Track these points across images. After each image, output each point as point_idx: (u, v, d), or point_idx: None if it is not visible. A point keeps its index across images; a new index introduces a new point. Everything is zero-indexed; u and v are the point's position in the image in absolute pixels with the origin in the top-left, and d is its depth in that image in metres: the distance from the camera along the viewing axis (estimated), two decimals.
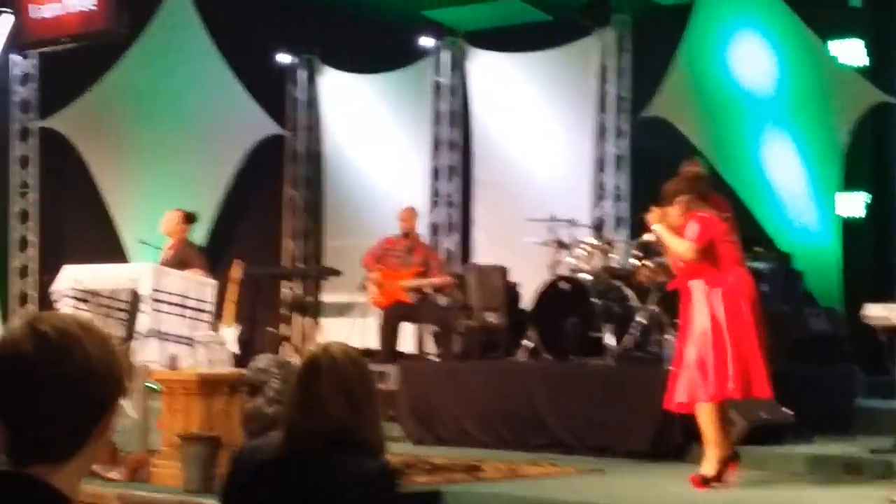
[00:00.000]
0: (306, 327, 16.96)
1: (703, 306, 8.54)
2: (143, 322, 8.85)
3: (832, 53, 13.67)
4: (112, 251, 15.37)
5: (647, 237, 9.69)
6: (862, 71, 13.73)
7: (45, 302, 15.35)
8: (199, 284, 9.28)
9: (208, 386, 8.33)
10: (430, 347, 14.26)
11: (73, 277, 9.36)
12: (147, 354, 8.74)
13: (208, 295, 9.20)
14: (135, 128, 16.07)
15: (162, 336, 8.74)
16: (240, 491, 4.12)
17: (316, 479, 4.00)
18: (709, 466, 8.55)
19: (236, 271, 12.75)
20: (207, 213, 16.24)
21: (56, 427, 2.32)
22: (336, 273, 15.66)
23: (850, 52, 13.96)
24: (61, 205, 16.05)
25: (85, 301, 9.30)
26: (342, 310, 15.67)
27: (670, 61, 14.02)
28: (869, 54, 14.03)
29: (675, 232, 8.77)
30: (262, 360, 7.88)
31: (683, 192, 8.84)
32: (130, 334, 9.23)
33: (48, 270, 15.41)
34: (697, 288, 8.61)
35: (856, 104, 13.23)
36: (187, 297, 9.00)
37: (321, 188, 17.28)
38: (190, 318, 8.97)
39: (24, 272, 15.74)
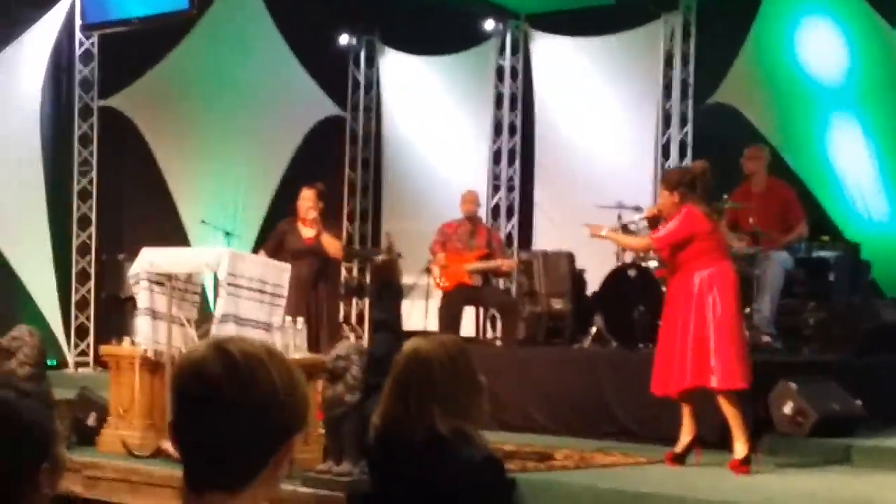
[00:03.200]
0: (364, 309, 16.98)
1: (708, 295, 8.79)
2: (220, 306, 8.85)
3: None
4: (172, 230, 15.38)
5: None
6: None
7: (104, 280, 15.49)
8: (276, 269, 9.25)
9: None
10: (491, 332, 14.24)
11: (148, 261, 9.36)
12: None
13: (285, 280, 9.17)
14: (195, 108, 16.08)
15: (239, 321, 8.73)
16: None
17: (416, 468, 4.23)
18: (742, 448, 8.79)
19: None
20: (267, 195, 16.28)
21: (236, 453, 2.26)
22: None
23: None
24: (121, 184, 16.06)
25: (160, 284, 9.31)
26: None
27: (738, 47, 13.93)
28: None
29: (667, 217, 9.09)
30: (343, 347, 7.87)
31: (683, 184, 9.02)
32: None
33: (108, 249, 15.53)
34: (704, 278, 8.83)
35: None
36: (265, 283, 8.97)
37: (380, 170, 17.28)
38: (267, 303, 8.96)
39: (84, 250, 15.77)
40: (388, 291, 5.32)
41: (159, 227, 15.24)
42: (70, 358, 15.43)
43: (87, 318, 15.67)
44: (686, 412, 9.12)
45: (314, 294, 11.86)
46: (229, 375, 2.26)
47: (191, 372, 2.29)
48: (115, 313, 14.60)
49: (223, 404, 2.25)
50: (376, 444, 4.42)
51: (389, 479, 4.44)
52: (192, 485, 2.29)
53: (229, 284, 8.80)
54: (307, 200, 12.18)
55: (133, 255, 10.21)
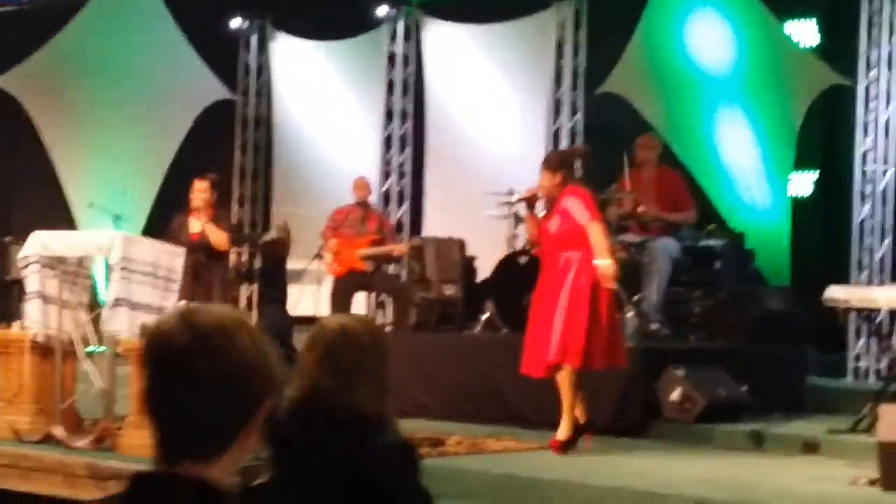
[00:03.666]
0: (253, 294, 16.90)
1: (577, 277, 8.95)
2: (113, 291, 8.78)
3: (787, 33, 13.80)
4: (60, 214, 15.23)
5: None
6: (815, 51, 13.86)
7: None
8: (169, 254, 9.19)
9: None
10: (382, 318, 14.27)
11: (40, 243, 9.25)
12: (116, 323, 8.68)
13: (178, 265, 9.12)
14: (84, 89, 15.92)
15: (132, 305, 8.68)
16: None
17: (334, 447, 4.15)
18: (564, 431, 9.00)
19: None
20: (157, 178, 16.16)
21: (209, 424, 2.26)
22: None
23: (805, 32, 14.09)
24: (9, 166, 15.88)
25: (52, 268, 9.21)
26: (291, 277, 15.61)
27: (627, 37, 14.06)
28: (821, 34, 14.16)
29: (548, 198, 9.29)
30: None
31: (565, 166, 9.26)
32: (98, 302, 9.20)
33: None
34: (574, 259, 9.01)
35: (811, 85, 13.34)
36: (158, 266, 8.93)
37: (271, 155, 17.21)
38: (161, 287, 8.90)
39: None
40: (278, 267, 5.31)
41: (48, 210, 15.09)
42: None
43: None
44: None
45: (204, 282, 11.81)
46: (199, 347, 2.24)
47: (160, 346, 2.27)
48: (2, 297, 14.41)
49: (194, 377, 2.24)
50: (290, 417, 4.31)
51: (300, 457, 4.35)
52: (165, 456, 2.28)
53: (122, 269, 8.74)
54: (199, 192, 12.12)
55: (21, 238, 10.09)
